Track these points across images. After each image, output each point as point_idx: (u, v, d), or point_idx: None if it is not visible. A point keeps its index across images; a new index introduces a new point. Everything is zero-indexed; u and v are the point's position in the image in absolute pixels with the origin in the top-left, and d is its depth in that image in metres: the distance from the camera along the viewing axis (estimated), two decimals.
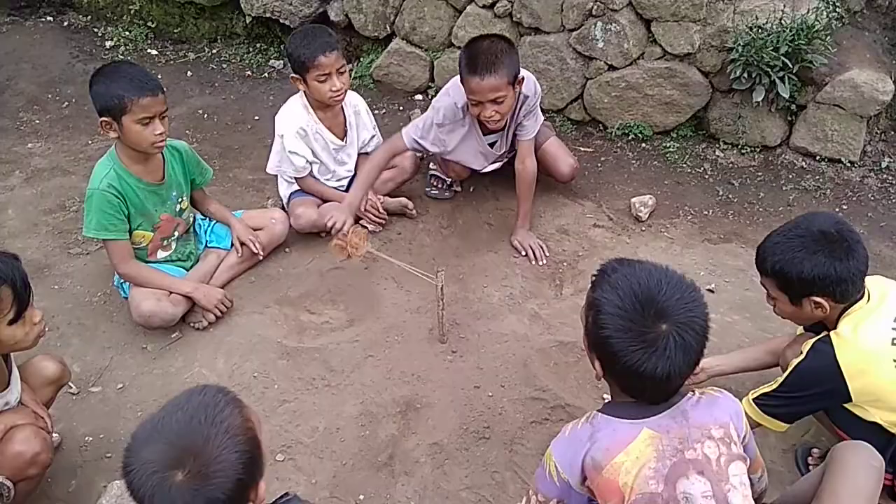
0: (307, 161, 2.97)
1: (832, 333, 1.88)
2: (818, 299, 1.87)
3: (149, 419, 1.29)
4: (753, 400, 1.97)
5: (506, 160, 3.10)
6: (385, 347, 2.56)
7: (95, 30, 4.54)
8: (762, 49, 3.13)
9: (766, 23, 3.20)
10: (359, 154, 3.14)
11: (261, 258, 2.85)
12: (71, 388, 2.40)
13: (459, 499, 2.10)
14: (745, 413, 1.92)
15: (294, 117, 2.94)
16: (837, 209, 3.17)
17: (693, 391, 1.54)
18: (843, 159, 3.33)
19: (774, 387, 1.94)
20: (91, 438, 2.28)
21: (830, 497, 1.66)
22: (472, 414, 2.33)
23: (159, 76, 4.12)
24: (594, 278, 1.55)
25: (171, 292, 2.59)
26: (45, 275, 2.87)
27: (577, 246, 3.00)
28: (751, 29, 3.21)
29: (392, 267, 2.89)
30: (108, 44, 4.46)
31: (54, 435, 2.20)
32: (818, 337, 1.91)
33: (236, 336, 2.62)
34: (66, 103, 4.01)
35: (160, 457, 1.22)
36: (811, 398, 1.92)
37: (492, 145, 2.99)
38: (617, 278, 1.48)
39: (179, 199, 2.68)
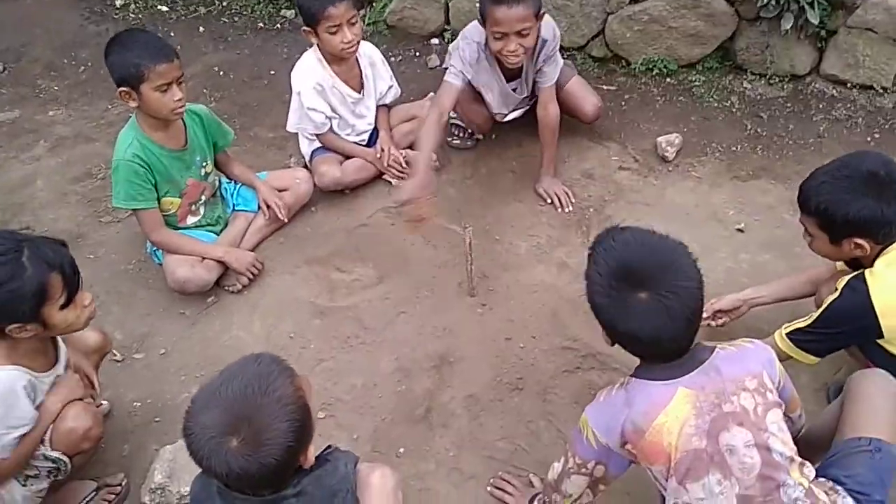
0: (326, 117, 2.95)
1: (867, 272, 1.87)
2: (860, 241, 1.85)
3: (208, 385, 1.37)
4: (787, 334, 1.98)
5: (527, 107, 3.06)
6: (416, 303, 2.59)
7: None
8: None
9: None
10: (377, 106, 3.11)
11: (285, 222, 2.87)
12: (115, 355, 2.48)
13: (496, 448, 2.16)
14: (777, 346, 1.95)
15: (310, 73, 2.91)
16: (869, 138, 3.10)
17: (721, 345, 1.56)
18: (875, 85, 3.23)
19: (808, 322, 1.95)
20: (139, 404, 2.37)
21: (851, 426, 1.68)
22: (505, 366, 2.38)
23: (171, 34, 4.14)
24: (589, 252, 1.60)
25: (203, 258, 2.64)
26: (79, 244, 2.92)
27: (603, 190, 2.98)
28: None
29: None
30: (118, 2, 4.41)
31: (104, 403, 2.29)
32: (853, 274, 1.90)
33: (270, 298, 2.67)
34: (83, 67, 3.99)
35: (217, 423, 1.31)
36: (844, 334, 1.94)
37: (513, 90, 2.94)
38: (600, 252, 1.55)
39: (203, 164, 2.69)
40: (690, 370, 1.49)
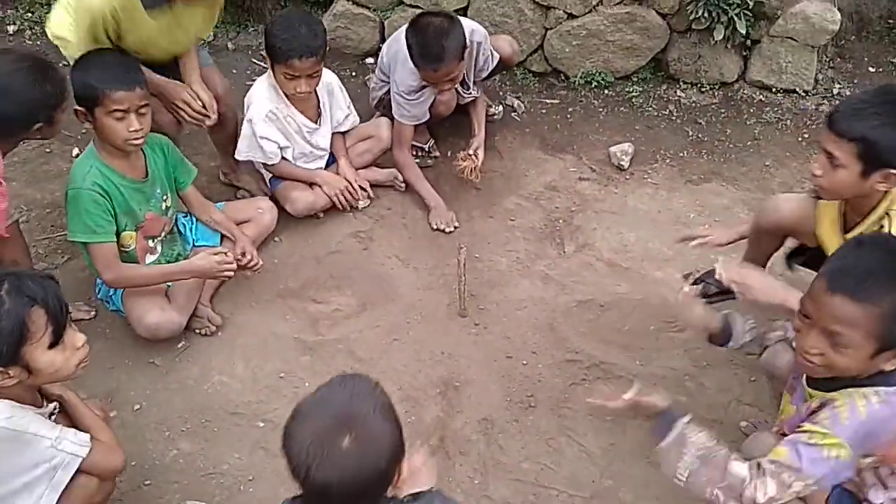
0: (279, 147, 2.81)
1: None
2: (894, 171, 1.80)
3: (304, 405, 1.32)
4: None
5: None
6: (408, 329, 2.51)
7: None
8: None
9: None
10: (333, 134, 3.00)
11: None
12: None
13: (521, 470, 2.12)
14: None
15: (263, 101, 2.76)
16: (800, 138, 3.33)
17: None
18: (797, 89, 3.48)
19: None
20: None
21: None
22: (513, 385, 2.34)
23: (72, 60, 3.81)
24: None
25: (169, 299, 2.42)
26: None
27: (568, 202, 3.02)
28: None
29: (392, 245, 2.83)
30: (11, 28, 4.00)
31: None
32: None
33: (248, 337, 2.50)
34: None
35: (326, 426, 1.27)
36: None
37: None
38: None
39: (164, 197, 2.49)
40: None
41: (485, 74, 3.11)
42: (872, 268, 1.45)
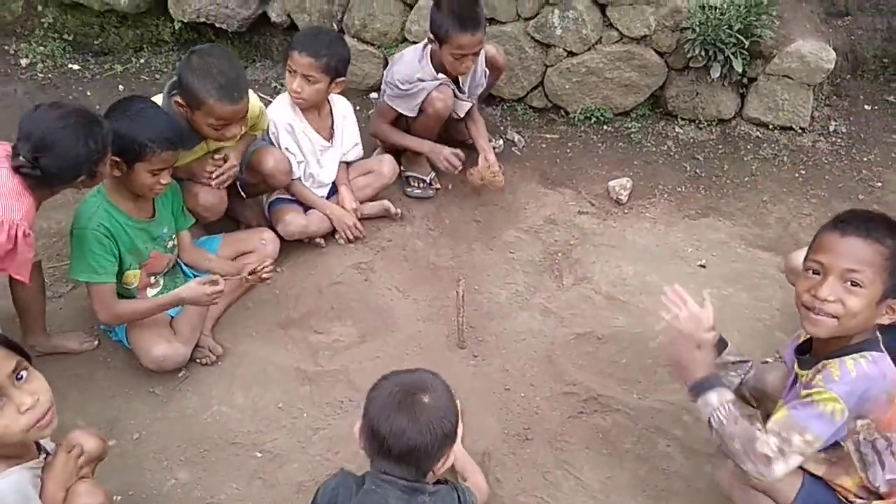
0: (297, 161, 2.89)
1: None
2: None
3: (390, 374, 1.64)
4: None
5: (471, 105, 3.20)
6: (406, 360, 2.52)
7: (6, 47, 4.16)
8: (718, 27, 3.26)
9: (717, 1, 3.33)
10: (339, 162, 3.06)
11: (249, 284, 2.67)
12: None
13: None
14: None
15: (281, 114, 2.87)
16: (797, 174, 3.37)
17: None
18: (794, 126, 3.54)
19: None
20: (119, 497, 2.13)
21: None
22: (510, 417, 2.35)
23: (88, 93, 3.91)
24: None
25: (174, 329, 2.45)
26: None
27: (567, 235, 3.05)
28: (702, 8, 3.33)
29: (392, 276, 2.86)
30: (24, 62, 4.10)
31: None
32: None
33: (248, 367, 2.52)
34: None
35: (408, 384, 1.56)
36: None
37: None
38: None
39: (171, 237, 2.53)
40: None
41: (481, 90, 3.23)
42: (871, 217, 1.65)
